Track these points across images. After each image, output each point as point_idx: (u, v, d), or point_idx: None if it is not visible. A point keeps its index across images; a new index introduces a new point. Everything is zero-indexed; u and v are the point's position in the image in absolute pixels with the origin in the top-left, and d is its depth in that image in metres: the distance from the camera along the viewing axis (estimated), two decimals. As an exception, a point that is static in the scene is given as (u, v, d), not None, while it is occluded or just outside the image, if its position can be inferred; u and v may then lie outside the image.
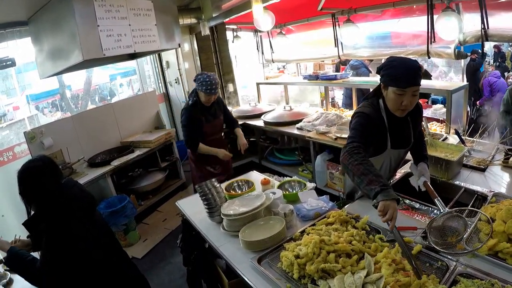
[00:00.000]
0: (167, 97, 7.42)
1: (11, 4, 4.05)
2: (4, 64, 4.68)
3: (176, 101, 7.22)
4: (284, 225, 2.28)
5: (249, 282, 2.00)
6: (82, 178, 4.63)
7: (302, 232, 2.25)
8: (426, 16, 4.08)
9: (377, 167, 2.54)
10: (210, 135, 4.17)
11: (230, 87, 7.05)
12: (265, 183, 3.01)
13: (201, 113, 4.12)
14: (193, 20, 6.14)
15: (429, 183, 2.45)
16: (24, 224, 2.40)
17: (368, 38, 5.16)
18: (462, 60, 7.27)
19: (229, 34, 6.98)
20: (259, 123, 5.54)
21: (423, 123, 3.36)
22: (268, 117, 5.35)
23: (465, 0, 3.89)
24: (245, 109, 6.16)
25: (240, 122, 5.40)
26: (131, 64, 7.64)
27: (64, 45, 4.15)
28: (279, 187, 2.89)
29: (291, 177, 3.30)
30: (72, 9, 3.77)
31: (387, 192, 1.87)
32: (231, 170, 4.53)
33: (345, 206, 2.64)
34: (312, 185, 2.92)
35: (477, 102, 7.57)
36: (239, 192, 2.96)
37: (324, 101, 6.20)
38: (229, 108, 6.48)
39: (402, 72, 2.18)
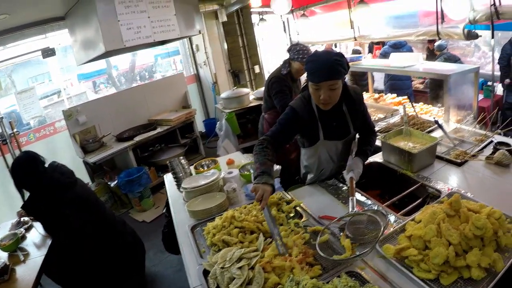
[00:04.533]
0: (197, 77, 7.88)
1: (51, 1, 4.67)
2: (47, 53, 5.58)
3: (205, 81, 7.66)
4: (223, 200, 2.58)
5: (180, 243, 2.36)
6: (108, 150, 5.34)
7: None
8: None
9: (314, 158, 2.73)
10: None
11: (256, 69, 7.30)
12: (228, 163, 3.33)
13: (291, 84, 4.11)
14: (216, 7, 6.47)
15: (355, 180, 2.43)
16: (22, 207, 3.13)
17: (382, 19, 5.15)
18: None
19: (255, 17, 7.17)
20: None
21: (408, 110, 3.33)
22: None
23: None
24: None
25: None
26: (175, 44, 8.10)
27: (91, 37, 4.72)
28: (242, 167, 3.15)
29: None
30: (95, 7, 4.29)
31: (261, 177, 2.09)
32: None
33: (293, 191, 2.79)
34: (277, 167, 3.08)
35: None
36: (206, 169, 3.27)
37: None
38: (251, 89, 6.79)
39: (315, 67, 2.24)
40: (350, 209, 2.19)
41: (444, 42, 6.91)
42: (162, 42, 6.18)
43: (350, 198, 2.26)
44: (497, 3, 3.53)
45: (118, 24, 4.58)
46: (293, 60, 3.96)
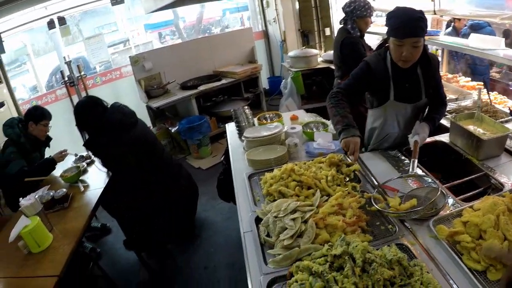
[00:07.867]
0: (266, 34, 7.77)
1: None
2: (116, 1, 5.72)
3: (273, 38, 7.55)
4: (284, 152, 2.60)
5: (236, 190, 2.41)
6: (171, 97, 5.46)
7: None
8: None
9: (380, 120, 2.63)
10: None
11: (327, 31, 7.03)
12: (292, 118, 3.26)
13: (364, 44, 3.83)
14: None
15: (419, 144, 2.36)
16: (84, 145, 3.30)
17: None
18: None
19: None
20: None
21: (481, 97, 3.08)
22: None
23: None
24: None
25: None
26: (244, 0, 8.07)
27: (160, -16, 4.59)
28: (305, 124, 3.11)
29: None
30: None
31: (348, 131, 2.10)
32: None
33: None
34: (335, 128, 3.13)
35: None
36: (269, 122, 3.27)
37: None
38: (320, 51, 6.59)
39: (400, 22, 2.16)
40: (411, 170, 2.20)
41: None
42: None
43: (412, 159, 2.25)
44: None
45: (189, -32, 4.44)
46: (362, 18, 3.73)
